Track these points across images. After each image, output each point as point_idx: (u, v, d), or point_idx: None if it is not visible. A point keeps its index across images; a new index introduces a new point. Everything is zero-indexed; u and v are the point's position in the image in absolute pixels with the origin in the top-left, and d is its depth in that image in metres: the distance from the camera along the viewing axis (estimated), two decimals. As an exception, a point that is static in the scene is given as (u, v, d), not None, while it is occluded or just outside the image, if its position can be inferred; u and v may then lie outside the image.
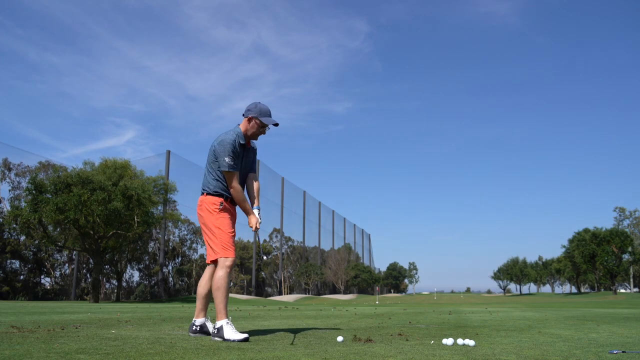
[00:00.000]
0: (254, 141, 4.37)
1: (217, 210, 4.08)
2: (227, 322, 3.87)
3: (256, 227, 4.24)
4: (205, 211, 4.12)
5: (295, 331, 4.79)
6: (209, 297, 4.26)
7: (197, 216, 4.22)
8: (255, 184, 4.41)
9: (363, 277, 76.87)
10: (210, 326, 4.20)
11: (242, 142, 4.16)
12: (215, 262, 4.10)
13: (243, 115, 4.24)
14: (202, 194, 4.19)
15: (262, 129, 4.24)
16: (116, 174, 28.41)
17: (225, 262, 3.99)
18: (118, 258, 39.17)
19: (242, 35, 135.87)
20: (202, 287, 4.22)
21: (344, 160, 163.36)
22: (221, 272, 3.98)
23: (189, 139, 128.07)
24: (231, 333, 3.80)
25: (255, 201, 4.36)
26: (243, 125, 4.23)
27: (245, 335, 3.83)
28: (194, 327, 4.22)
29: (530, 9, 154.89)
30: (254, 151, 4.41)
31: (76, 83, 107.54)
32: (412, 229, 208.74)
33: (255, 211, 4.28)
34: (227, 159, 4.03)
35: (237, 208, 4.32)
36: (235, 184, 4.11)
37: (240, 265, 56.06)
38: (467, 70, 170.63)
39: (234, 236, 4.12)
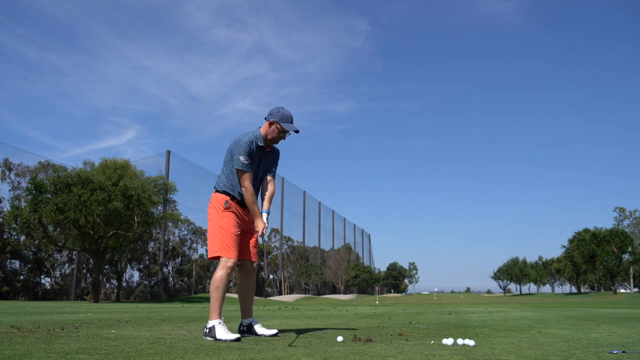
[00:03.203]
0: (275, 145, 4.36)
1: (222, 209, 4.09)
2: (220, 322, 3.89)
3: (262, 232, 4.18)
4: (212, 208, 4.17)
5: (295, 331, 4.79)
6: (248, 295, 4.37)
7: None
8: (270, 188, 4.36)
9: (363, 277, 76.88)
10: (258, 325, 4.31)
11: (260, 144, 4.15)
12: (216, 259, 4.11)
13: (265, 118, 4.23)
14: (214, 191, 4.25)
15: (282, 134, 4.21)
16: (116, 174, 28.43)
17: (227, 263, 4.00)
18: (118, 258, 39.18)
19: (243, 35, 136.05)
20: (239, 289, 4.42)
21: (344, 160, 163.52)
22: (222, 272, 3.99)
23: (190, 139, 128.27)
24: (223, 333, 3.81)
25: (265, 204, 4.30)
26: (264, 129, 4.22)
27: (237, 335, 3.84)
28: (241, 328, 4.34)
29: (531, 8, 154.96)
30: (275, 155, 4.38)
31: (76, 83, 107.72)
32: (412, 229, 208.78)
33: (264, 215, 4.21)
34: (241, 158, 4.03)
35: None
36: (248, 183, 4.07)
37: (240, 265, 56.07)
38: (468, 70, 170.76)
39: (237, 238, 4.10)
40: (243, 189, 4.09)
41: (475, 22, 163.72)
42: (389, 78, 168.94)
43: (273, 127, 4.18)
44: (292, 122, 4.23)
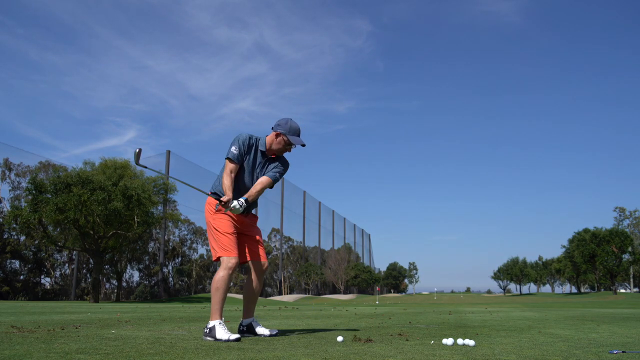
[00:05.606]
0: (284, 155, 4.33)
1: (214, 211, 4.10)
2: (220, 323, 3.89)
3: (225, 204, 3.87)
4: (206, 212, 4.21)
5: (295, 331, 4.80)
6: (253, 297, 4.38)
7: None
8: (261, 182, 4.11)
9: (363, 277, 76.88)
10: (258, 325, 4.34)
11: (262, 149, 4.18)
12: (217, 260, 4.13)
13: (272, 128, 4.24)
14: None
15: (288, 146, 4.21)
16: (116, 174, 28.42)
17: (228, 264, 4.00)
18: (118, 258, 39.19)
19: (243, 35, 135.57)
20: (244, 290, 4.42)
21: (344, 160, 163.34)
22: (223, 273, 3.99)
23: (190, 139, 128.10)
24: (223, 333, 3.82)
25: (248, 192, 4.04)
26: (269, 138, 4.23)
27: (237, 335, 3.85)
28: (241, 327, 4.35)
29: (532, 8, 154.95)
30: (281, 162, 4.30)
31: (77, 82, 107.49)
32: (412, 229, 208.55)
33: (241, 200, 3.92)
34: (232, 148, 4.07)
35: (248, 215, 4.28)
36: (229, 172, 4.01)
37: (240, 265, 56.11)
38: (468, 70, 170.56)
39: (234, 237, 4.07)
40: (224, 175, 4.00)
41: (475, 22, 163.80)
42: (389, 78, 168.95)
43: (279, 138, 4.18)
44: (299, 135, 4.23)
